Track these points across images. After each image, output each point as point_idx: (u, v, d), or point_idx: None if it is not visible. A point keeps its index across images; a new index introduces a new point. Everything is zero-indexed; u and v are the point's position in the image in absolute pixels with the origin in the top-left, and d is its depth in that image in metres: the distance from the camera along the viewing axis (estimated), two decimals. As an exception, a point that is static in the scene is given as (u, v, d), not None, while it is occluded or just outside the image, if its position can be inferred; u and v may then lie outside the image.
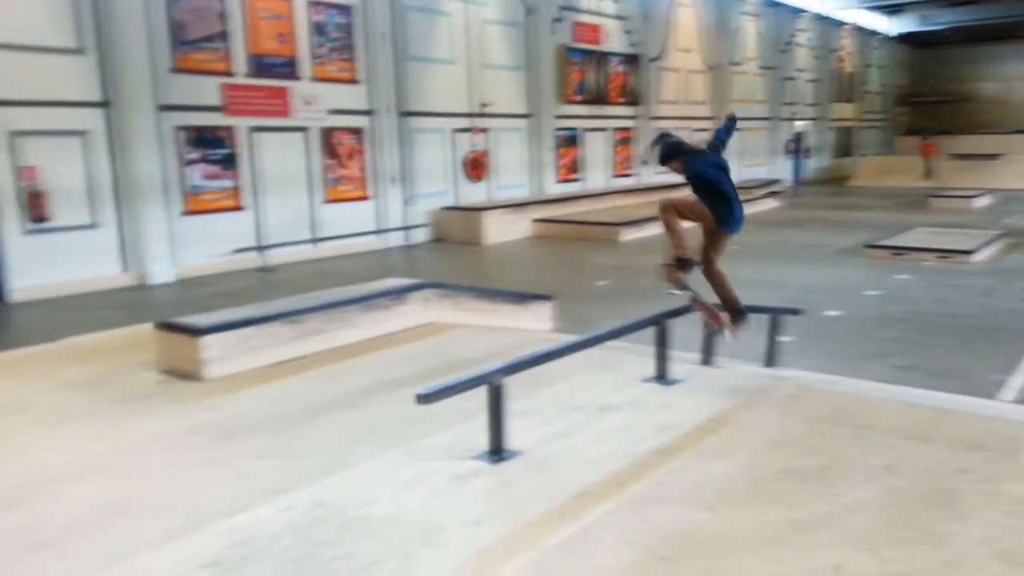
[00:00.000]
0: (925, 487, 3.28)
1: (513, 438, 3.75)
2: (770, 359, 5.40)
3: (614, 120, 20.26)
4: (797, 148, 29.31)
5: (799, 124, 29.35)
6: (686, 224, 4.71)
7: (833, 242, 13.69)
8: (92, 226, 10.18)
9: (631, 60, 20.54)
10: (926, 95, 37.01)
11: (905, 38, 35.12)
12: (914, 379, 5.83)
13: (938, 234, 13.20)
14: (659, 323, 4.81)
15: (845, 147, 32.69)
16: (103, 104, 10.18)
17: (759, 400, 4.47)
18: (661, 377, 4.79)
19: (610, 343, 5.18)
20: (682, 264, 4.65)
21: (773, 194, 21.90)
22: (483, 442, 3.72)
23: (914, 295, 9.34)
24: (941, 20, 31.90)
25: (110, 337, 6.26)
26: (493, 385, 3.64)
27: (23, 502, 3.37)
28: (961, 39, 35.46)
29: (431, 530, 3.01)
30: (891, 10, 31.79)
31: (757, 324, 5.43)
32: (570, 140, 18.90)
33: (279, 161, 12.41)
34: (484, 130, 16.19)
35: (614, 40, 19.92)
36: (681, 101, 22.87)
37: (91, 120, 10.09)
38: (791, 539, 2.88)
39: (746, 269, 11.45)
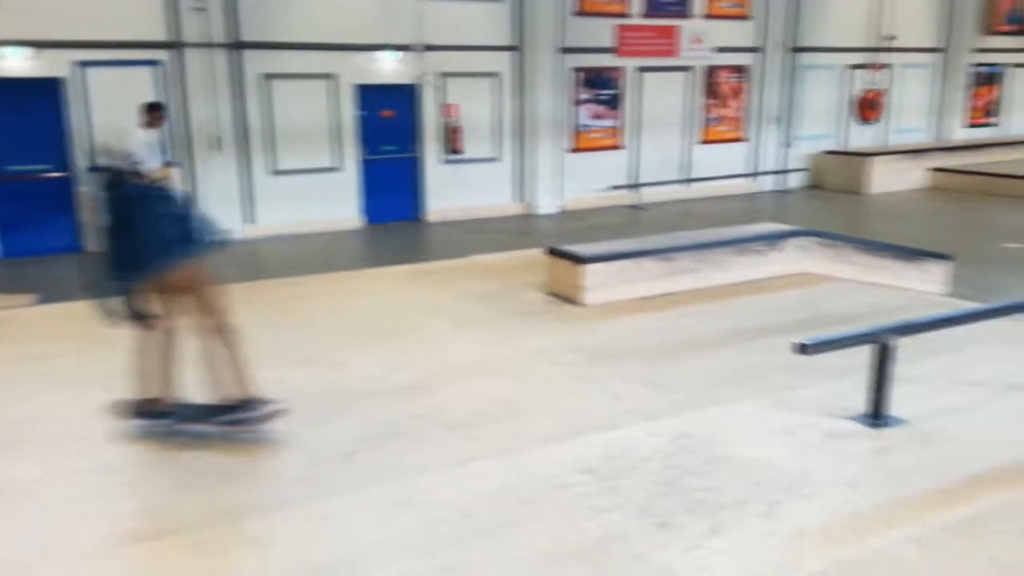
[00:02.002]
0: None
1: (897, 405, 3.50)
2: None
3: (1051, 54, 16.81)
4: None
5: None
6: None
7: None
8: (494, 159, 11.44)
9: (1089, -23, 16.69)
10: None
11: None
12: None
13: None
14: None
15: None
16: (513, 48, 11.24)
17: None
18: (1093, 363, 4.04)
19: (1020, 316, 4.50)
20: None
21: None
22: (859, 403, 3.53)
23: None
24: None
25: (506, 258, 7.07)
26: (883, 344, 3.41)
27: (442, 389, 4.04)
28: None
29: (801, 482, 2.98)
30: None
31: None
32: (989, 77, 16.16)
33: (660, 101, 12.58)
34: (884, 66, 14.57)
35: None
36: None
37: (503, 63, 11.23)
38: None
39: None
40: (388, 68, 10.43)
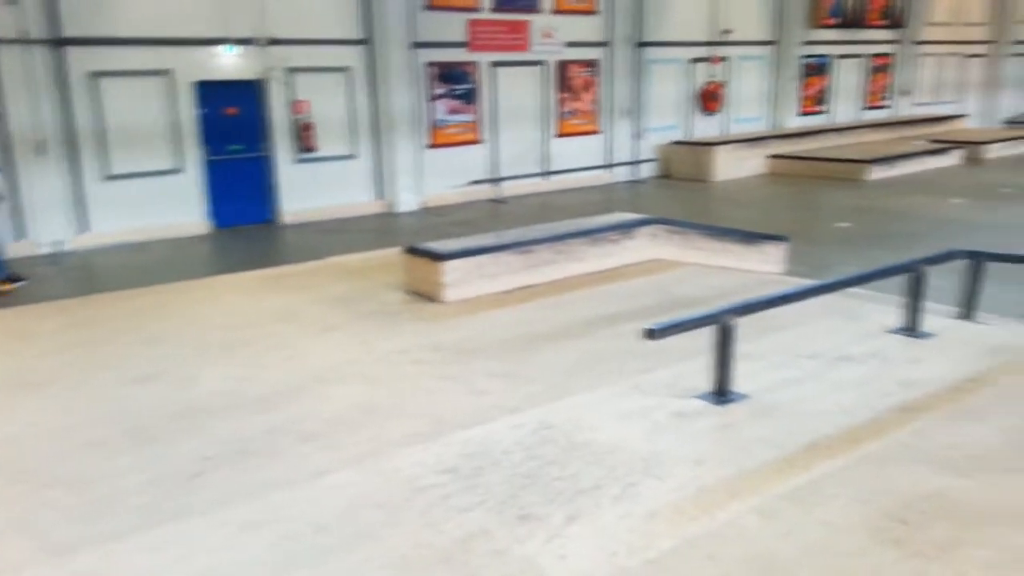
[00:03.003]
0: None
1: (739, 381, 3.68)
2: (1046, 318, 4.77)
3: (871, 46, 18.36)
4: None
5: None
6: None
7: None
8: (351, 157, 11.17)
9: (895, -23, 18.35)
10: None
11: None
12: None
13: None
14: (914, 270, 4.40)
15: None
16: (363, 42, 10.99)
17: (1028, 363, 3.98)
18: (910, 329, 4.41)
19: (852, 290, 4.86)
20: None
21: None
22: (706, 382, 3.69)
23: None
24: None
25: (364, 258, 6.92)
26: (724, 324, 3.57)
27: (297, 399, 3.88)
28: None
29: (654, 462, 3.07)
30: None
31: (1032, 278, 4.81)
32: (818, 68, 17.45)
33: (516, 95, 12.73)
34: (723, 59, 15.40)
35: (877, -46, 17.88)
36: (954, 23, 20.13)
37: (353, 57, 10.96)
38: (1058, 519, 2.59)
39: (1011, 214, 10.08)
40: (229, 63, 9.96)
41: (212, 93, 9.87)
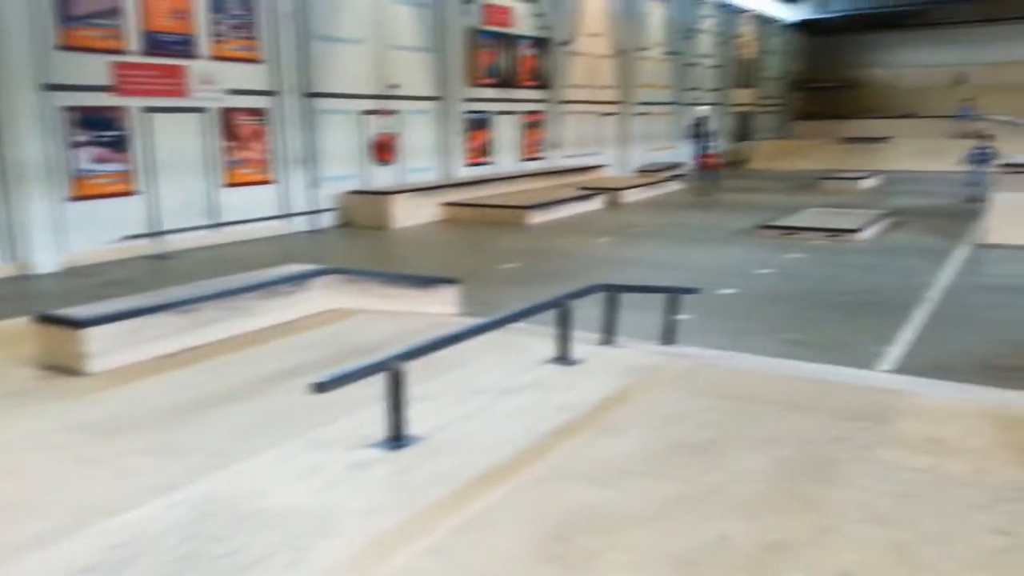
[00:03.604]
0: (806, 456, 3.45)
1: (414, 424, 3.72)
2: (668, 337, 5.56)
3: (523, 104, 20.32)
4: (699, 132, 30.11)
5: (701, 109, 30.16)
6: None
7: (729, 223, 14.18)
8: (-33, 213, 9.54)
9: (540, 44, 20.60)
10: (820, 81, 38.63)
11: (803, 26, 36.50)
12: (802, 353, 6.11)
13: (827, 214, 13.85)
14: (560, 305, 4.87)
15: (743, 131, 33.79)
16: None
17: (656, 377, 4.59)
18: (563, 358, 4.85)
19: (513, 326, 5.21)
20: None
21: (675, 177, 22.47)
22: (383, 429, 3.68)
23: (804, 273, 9.78)
24: (836, 8, 33.31)
25: (-15, 331, 5.87)
26: (393, 371, 3.60)
27: None
28: (854, 27, 37.14)
29: (327, 520, 2.96)
30: (790, -3, 33.02)
31: (656, 303, 5.59)
32: (480, 123, 18.85)
33: (176, 143, 11.88)
34: (392, 112, 15.94)
35: (524, 23, 19.93)
36: (590, 85, 23.12)
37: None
38: (680, 512, 2.98)
39: (646, 250, 11.74)
40: None
41: None
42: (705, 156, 21.08)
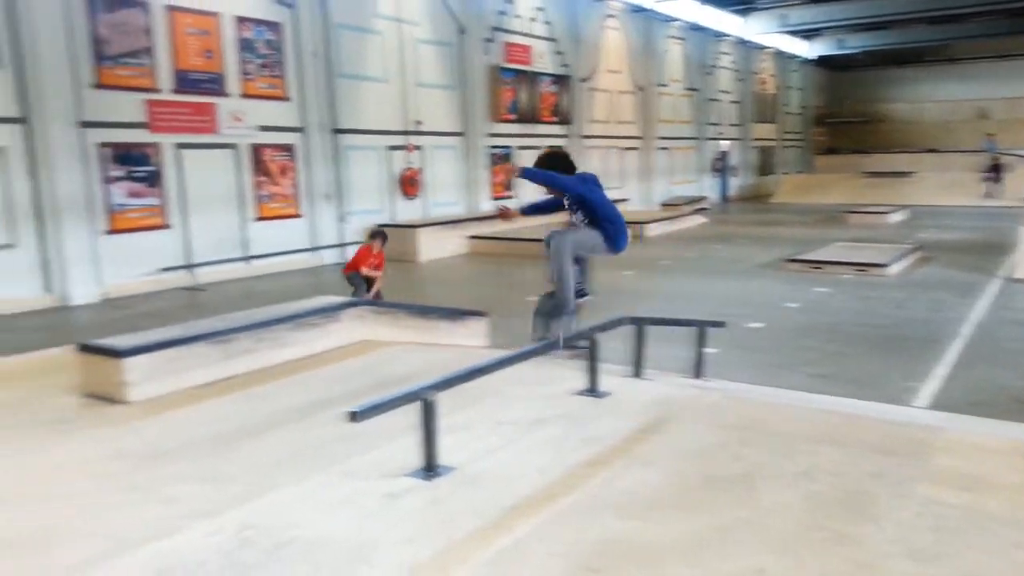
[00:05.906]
0: (840, 491, 3.44)
1: (446, 454, 3.77)
2: (697, 370, 5.56)
3: (546, 139, 20.53)
4: (723, 166, 30.25)
5: (723, 143, 30.31)
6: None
7: (755, 256, 14.16)
8: (9, 246, 9.78)
9: (561, 80, 20.90)
10: (842, 116, 38.72)
11: (822, 61, 36.68)
12: (832, 387, 6.08)
13: (854, 248, 13.79)
14: (588, 337, 4.91)
15: (766, 166, 33.88)
16: (20, 120, 9.82)
17: (685, 410, 4.60)
18: (592, 390, 4.88)
19: (542, 357, 5.26)
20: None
21: (700, 210, 22.51)
22: (416, 459, 3.73)
23: (832, 307, 9.73)
24: (855, 44, 33.47)
25: (29, 360, 6.02)
26: (425, 401, 3.65)
27: (-69, 535, 3.21)
28: (874, 63, 37.35)
29: (362, 550, 3.00)
30: (808, 35, 33.21)
31: (683, 336, 5.61)
32: (503, 157, 19.09)
33: (207, 178, 12.18)
34: (418, 147, 16.21)
35: (545, 61, 20.25)
36: (610, 121, 23.36)
37: (6, 136, 9.72)
38: (713, 544, 2.98)
39: (674, 283, 11.75)
40: None
41: None
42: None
